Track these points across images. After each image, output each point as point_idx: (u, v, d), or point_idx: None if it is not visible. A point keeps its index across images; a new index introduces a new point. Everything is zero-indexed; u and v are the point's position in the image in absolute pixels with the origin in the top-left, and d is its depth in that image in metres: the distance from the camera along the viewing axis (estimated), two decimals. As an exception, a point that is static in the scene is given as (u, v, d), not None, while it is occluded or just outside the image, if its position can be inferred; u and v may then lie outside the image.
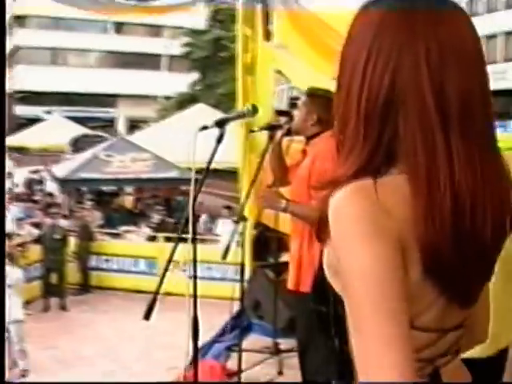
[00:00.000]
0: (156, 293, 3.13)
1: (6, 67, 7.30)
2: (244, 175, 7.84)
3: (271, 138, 3.63)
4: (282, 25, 8.12)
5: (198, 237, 11.78)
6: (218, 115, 20.18)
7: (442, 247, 1.17)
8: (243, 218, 4.13)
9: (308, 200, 3.69)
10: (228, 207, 15.23)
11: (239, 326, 4.96)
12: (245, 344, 5.03)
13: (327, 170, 3.66)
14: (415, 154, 1.19)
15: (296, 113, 3.90)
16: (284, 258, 7.82)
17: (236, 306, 9.34)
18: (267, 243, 8.45)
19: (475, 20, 1.30)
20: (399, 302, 1.13)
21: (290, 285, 3.88)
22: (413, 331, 1.16)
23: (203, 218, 15.49)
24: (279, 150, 3.89)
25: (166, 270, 3.41)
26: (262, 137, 8.14)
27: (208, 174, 3.33)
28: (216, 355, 4.75)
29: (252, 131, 4.31)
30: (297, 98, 10.34)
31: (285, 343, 4.75)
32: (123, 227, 13.75)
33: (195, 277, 3.11)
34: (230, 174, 16.56)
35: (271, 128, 3.74)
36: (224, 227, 14.17)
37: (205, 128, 3.39)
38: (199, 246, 11.10)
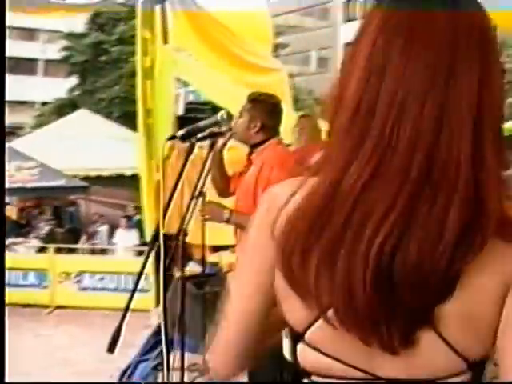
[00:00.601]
0: (122, 319, 2.91)
1: (5, 68, 7.08)
2: (146, 182, 7.63)
3: (212, 146, 3.45)
4: (181, 27, 7.96)
5: (97, 247, 11.41)
6: (100, 121, 19.78)
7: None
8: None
9: (254, 210, 3.55)
10: (127, 217, 14.92)
11: (161, 343, 4.78)
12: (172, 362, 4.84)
13: (275, 179, 3.54)
14: None
15: (238, 120, 3.72)
16: (196, 268, 7.72)
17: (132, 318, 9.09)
18: (170, 253, 8.30)
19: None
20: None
21: None
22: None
23: (103, 228, 15.19)
24: (220, 160, 3.71)
25: (136, 284, 3.23)
26: (164, 142, 8.01)
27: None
28: (144, 376, 4.53)
29: (173, 137, 4.06)
30: (192, 103, 10.23)
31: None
32: (10, 239, 13.14)
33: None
34: (116, 180, 16.28)
35: (212, 136, 3.54)
36: (122, 237, 13.89)
37: (173, 137, 3.23)
38: (97, 257, 10.77)
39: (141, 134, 7.43)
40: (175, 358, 5.05)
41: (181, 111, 8.93)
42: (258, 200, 3.55)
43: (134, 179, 22.22)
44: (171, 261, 8.39)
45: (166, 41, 7.75)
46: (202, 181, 3.96)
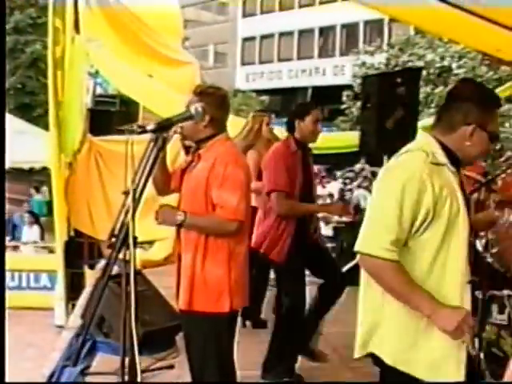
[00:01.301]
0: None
1: (5, 67, 6.59)
2: (56, 177, 7.31)
3: (156, 141, 3.27)
4: (93, 16, 7.69)
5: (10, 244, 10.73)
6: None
7: None
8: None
9: (204, 208, 3.41)
10: (30, 212, 14.37)
11: (85, 345, 4.56)
12: (100, 365, 4.65)
13: (231, 175, 3.41)
14: None
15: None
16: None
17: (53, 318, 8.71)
18: (79, 249, 8.01)
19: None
20: None
21: (181, 304, 3.55)
22: None
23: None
24: (163, 155, 3.51)
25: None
26: (76, 135, 7.73)
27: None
28: (71, 382, 4.30)
29: (143, 132, 3.87)
30: (101, 96, 9.94)
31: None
32: None
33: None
34: (12, 175, 15.64)
35: (159, 129, 3.34)
36: (28, 234, 13.40)
37: (144, 131, 3.05)
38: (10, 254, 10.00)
39: (51, 126, 7.11)
40: (100, 361, 4.90)
41: (89, 104, 8.62)
42: (210, 198, 3.41)
43: (31, 174, 21.50)
44: (79, 259, 8.15)
45: (77, 31, 7.44)
46: (138, 177, 3.79)
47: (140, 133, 3.21)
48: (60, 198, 7.34)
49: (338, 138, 11.89)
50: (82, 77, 7.55)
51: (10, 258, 12.01)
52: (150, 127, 3.16)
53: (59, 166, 7.22)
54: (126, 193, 4.04)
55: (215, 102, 3.46)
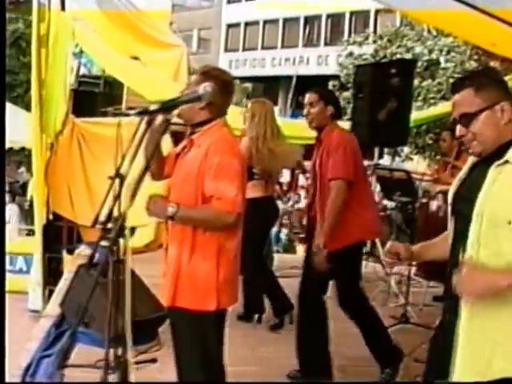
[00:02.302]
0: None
1: (5, 66, 6.34)
2: (37, 158, 7.07)
3: (149, 123, 3.07)
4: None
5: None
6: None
7: None
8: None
9: (194, 198, 3.20)
10: (10, 191, 14.19)
11: (63, 335, 4.37)
12: (79, 357, 4.45)
13: (225, 165, 3.22)
14: None
15: (183, 93, 3.33)
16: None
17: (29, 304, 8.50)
18: (58, 233, 7.79)
19: None
20: None
21: (165, 300, 3.36)
22: None
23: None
24: (158, 139, 3.30)
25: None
26: (58, 115, 7.50)
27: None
28: (49, 374, 4.10)
29: (144, 112, 3.67)
30: (84, 76, 9.68)
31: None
32: None
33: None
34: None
35: (163, 110, 3.15)
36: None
37: (148, 112, 2.85)
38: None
39: (34, 105, 6.86)
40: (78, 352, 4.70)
41: (73, 84, 8.37)
42: (200, 189, 3.19)
43: (9, 153, 21.13)
44: (58, 243, 7.94)
45: (63, 7, 7.20)
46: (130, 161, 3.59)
47: (140, 114, 3.01)
48: (40, 180, 7.11)
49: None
50: (66, 55, 7.29)
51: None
52: (152, 107, 2.94)
53: (40, 146, 6.98)
54: (112, 178, 3.87)
55: (218, 85, 3.25)
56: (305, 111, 4.84)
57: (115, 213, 3.34)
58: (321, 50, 33.52)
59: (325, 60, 32.54)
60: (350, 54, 15.31)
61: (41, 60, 6.96)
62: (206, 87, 3.03)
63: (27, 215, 14.43)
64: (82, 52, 8.49)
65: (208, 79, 3.21)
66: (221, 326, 3.38)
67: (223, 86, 3.31)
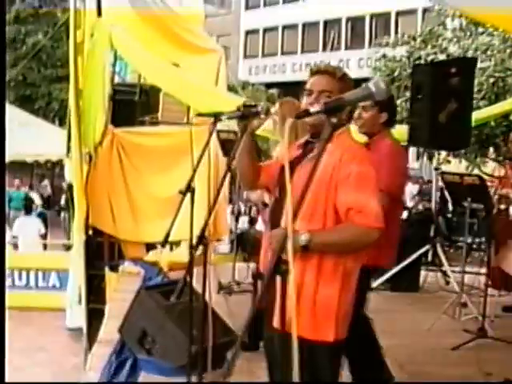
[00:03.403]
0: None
1: (5, 66, 6.07)
2: (76, 171, 6.76)
3: (244, 129, 2.71)
4: (116, -1, 7.16)
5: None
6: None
7: None
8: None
9: (322, 213, 2.73)
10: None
11: (125, 364, 4.02)
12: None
13: (364, 175, 2.72)
14: None
15: (310, 98, 2.89)
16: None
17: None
18: (99, 249, 7.48)
19: None
20: None
21: (277, 323, 2.82)
22: None
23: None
24: (251, 145, 2.92)
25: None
26: (97, 126, 7.19)
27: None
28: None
29: (201, 115, 3.35)
30: (119, 85, 9.35)
31: None
32: None
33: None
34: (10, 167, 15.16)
35: (244, 116, 2.78)
36: (21, 227, 12.84)
37: (309, 114, 2.38)
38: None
39: (72, 116, 6.55)
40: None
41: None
42: (331, 201, 2.72)
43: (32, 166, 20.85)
44: (99, 259, 7.62)
45: (99, 13, 6.89)
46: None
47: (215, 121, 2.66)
48: (80, 194, 6.79)
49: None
50: (104, 63, 6.99)
51: (14, 255, 11.64)
52: (313, 109, 2.48)
53: (81, 159, 6.67)
54: (183, 192, 3.58)
55: (351, 85, 2.86)
56: (356, 113, 4.44)
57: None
58: (341, 54, 33.11)
59: (346, 64, 32.12)
60: (384, 56, 14.91)
61: (78, 69, 6.66)
62: (377, 83, 2.42)
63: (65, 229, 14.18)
64: (115, 59, 8.18)
65: (344, 80, 2.83)
66: (337, 360, 2.95)
67: (352, 87, 2.92)
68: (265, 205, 4.85)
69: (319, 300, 2.76)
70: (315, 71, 2.93)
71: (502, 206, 5.72)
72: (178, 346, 4.00)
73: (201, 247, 3.24)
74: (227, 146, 6.57)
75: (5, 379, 3.87)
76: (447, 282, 7.03)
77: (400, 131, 7.57)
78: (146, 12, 7.53)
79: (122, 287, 6.38)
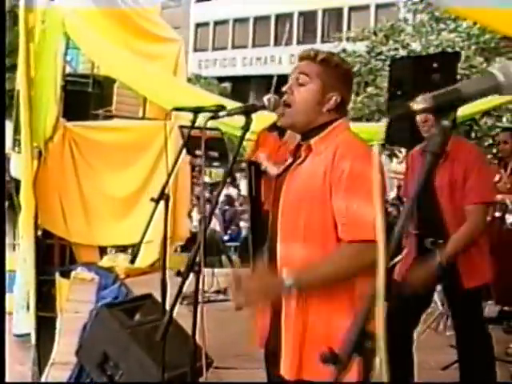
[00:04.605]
0: None
1: (5, 67, 5.39)
2: (25, 167, 6.18)
3: (246, 128, 2.25)
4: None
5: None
6: None
7: None
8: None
9: (321, 223, 2.28)
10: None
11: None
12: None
13: (357, 176, 2.26)
14: None
15: (298, 90, 2.47)
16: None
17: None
18: (49, 253, 6.91)
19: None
20: None
21: (286, 371, 2.39)
22: None
23: None
24: None
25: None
26: (48, 119, 6.61)
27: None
28: None
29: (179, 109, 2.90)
30: (71, 75, 8.75)
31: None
32: None
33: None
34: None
35: (247, 112, 2.32)
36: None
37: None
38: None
39: (23, 108, 5.95)
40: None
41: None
42: (330, 208, 2.27)
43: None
44: (49, 264, 7.04)
45: (52, -4, 6.32)
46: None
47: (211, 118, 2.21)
48: (28, 191, 6.20)
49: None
50: (56, 51, 6.42)
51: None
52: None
53: (31, 154, 6.09)
54: (156, 200, 3.20)
55: (342, 76, 2.48)
56: (420, 118, 4.09)
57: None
58: (293, 49, 32.77)
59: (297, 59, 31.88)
60: (344, 51, 14.55)
61: (29, 56, 6.08)
62: (505, 68, 1.81)
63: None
64: (67, 48, 7.60)
65: (331, 69, 2.43)
66: None
67: (347, 75, 2.54)
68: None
69: (328, 335, 2.31)
70: (298, 58, 2.59)
71: (497, 214, 5.38)
72: (145, 371, 3.52)
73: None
74: (191, 143, 6.09)
75: (5, 379, 3.72)
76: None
77: (370, 130, 7.21)
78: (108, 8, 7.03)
79: (74, 296, 5.83)
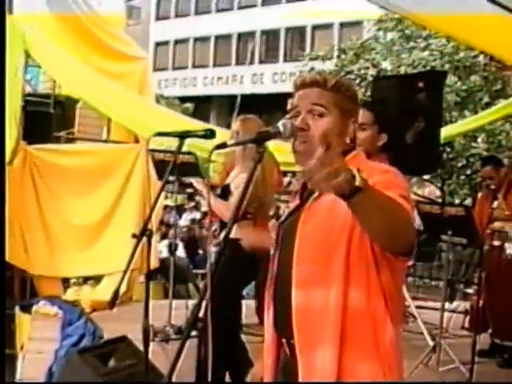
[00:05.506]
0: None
1: (5, 67, 5.25)
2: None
3: (262, 153, 1.88)
4: None
5: None
6: None
7: None
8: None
9: (344, 258, 1.94)
10: None
11: None
12: None
13: (392, 181, 1.98)
14: None
15: (321, 120, 2.08)
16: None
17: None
18: (8, 286, 6.45)
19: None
20: None
21: None
22: None
23: None
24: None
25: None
26: (7, 142, 6.17)
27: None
28: None
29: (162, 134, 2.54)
30: (30, 95, 8.31)
31: None
32: None
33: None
34: None
35: (258, 140, 1.93)
36: None
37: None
38: None
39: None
40: None
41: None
42: (355, 241, 1.93)
43: None
44: (8, 297, 6.57)
45: (10, 10, 5.93)
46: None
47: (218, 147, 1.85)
48: (-15, 221, 5.75)
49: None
50: (16, 68, 6.01)
51: None
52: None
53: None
54: (138, 236, 2.89)
55: (353, 99, 2.14)
56: None
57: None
58: (255, 68, 32.57)
59: (260, 78, 31.63)
60: (312, 69, 14.27)
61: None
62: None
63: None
64: (26, 66, 7.18)
65: (340, 93, 2.06)
66: None
67: (356, 97, 2.19)
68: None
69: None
70: (300, 85, 2.15)
71: (496, 243, 5.09)
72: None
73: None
74: (161, 168, 5.70)
75: (5, 379, 3.69)
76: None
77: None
78: (63, 12, 6.64)
79: (36, 334, 5.38)
